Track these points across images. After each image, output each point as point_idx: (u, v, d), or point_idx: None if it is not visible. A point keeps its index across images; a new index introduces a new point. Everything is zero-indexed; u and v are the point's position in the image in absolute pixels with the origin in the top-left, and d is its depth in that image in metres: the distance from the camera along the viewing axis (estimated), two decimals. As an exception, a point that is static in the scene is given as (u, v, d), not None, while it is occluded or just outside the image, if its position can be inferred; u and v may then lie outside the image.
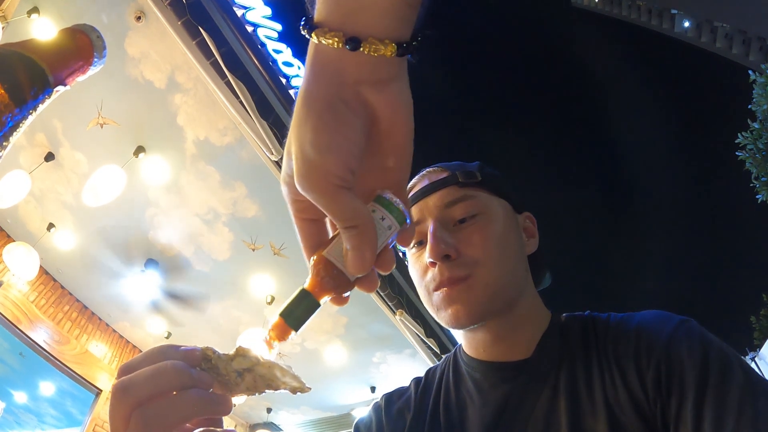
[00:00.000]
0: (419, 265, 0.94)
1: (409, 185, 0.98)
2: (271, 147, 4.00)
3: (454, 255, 0.87)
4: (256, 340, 5.52)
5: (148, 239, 5.17)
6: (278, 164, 4.18)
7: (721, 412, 0.68)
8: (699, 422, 0.70)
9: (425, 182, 0.97)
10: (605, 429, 0.80)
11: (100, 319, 6.32)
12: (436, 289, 0.89)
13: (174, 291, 5.69)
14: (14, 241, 5.17)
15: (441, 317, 0.91)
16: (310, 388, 0.54)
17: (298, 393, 0.54)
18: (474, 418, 0.93)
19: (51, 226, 5.14)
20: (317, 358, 6.54)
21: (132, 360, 0.50)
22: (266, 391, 0.53)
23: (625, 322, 0.90)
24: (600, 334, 0.91)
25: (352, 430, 1.08)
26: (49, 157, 4.57)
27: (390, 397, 1.08)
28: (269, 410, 7.99)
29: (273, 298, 5.58)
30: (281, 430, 8.44)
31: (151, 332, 6.39)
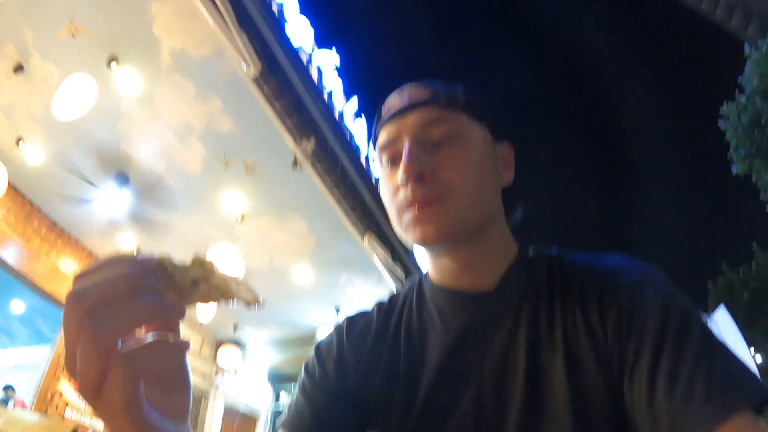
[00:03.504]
0: (391, 185, 0.91)
1: (387, 101, 0.97)
2: (249, 60, 4.01)
3: (429, 175, 0.85)
4: (223, 254, 5.64)
5: (119, 153, 5.13)
6: (255, 79, 4.21)
7: (677, 364, 0.71)
8: (654, 370, 0.72)
9: (404, 99, 0.93)
10: (562, 365, 0.82)
11: (69, 235, 6.29)
12: (408, 207, 0.87)
13: (144, 206, 5.69)
14: (-20, 157, 5.05)
15: (409, 235, 0.89)
16: (263, 303, 0.56)
17: (254, 306, 0.56)
18: (434, 343, 0.94)
19: (19, 140, 5.05)
20: (284, 276, 6.68)
21: (87, 268, 0.51)
22: (220, 300, 0.54)
23: (592, 263, 0.91)
24: (566, 272, 0.92)
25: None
26: (18, 68, 4.46)
27: (352, 320, 1.07)
28: (236, 327, 8.16)
29: (243, 216, 5.67)
30: (246, 346, 8.66)
31: (121, 248, 6.33)
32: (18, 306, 7.07)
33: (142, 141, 5.02)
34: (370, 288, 6.94)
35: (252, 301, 0.55)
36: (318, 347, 1.05)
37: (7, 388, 5.89)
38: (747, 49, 8.22)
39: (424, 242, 0.88)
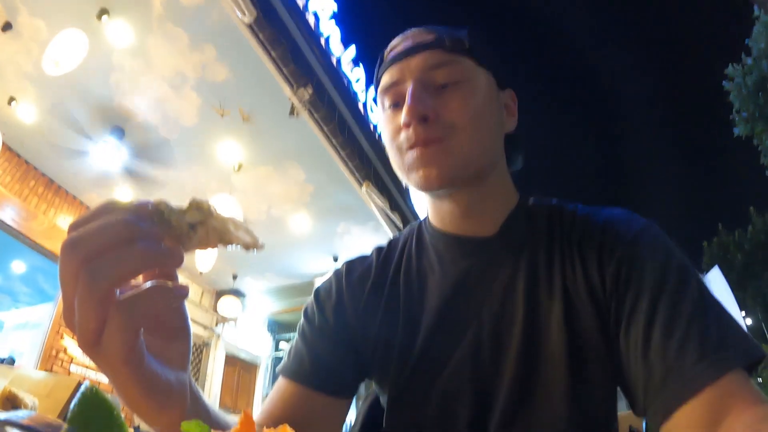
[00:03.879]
0: (393, 126, 0.91)
1: (391, 44, 0.96)
2: (243, 7, 3.93)
3: (432, 117, 0.85)
4: (221, 206, 5.63)
5: (113, 107, 5.06)
6: (251, 26, 4.14)
7: (672, 317, 0.72)
8: (650, 322, 0.74)
9: (408, 42, 0.92)
10: (560, 313, 0.83)
11: (67, 192, 6.26)
12: (410, 148, 0.87)
13: (141, 159, 5.66)
14: (-27, 118, 4.97)
15: (411, 179, 0.89)
16: (263, 245, 0.54)
17: (253, 250, 0.54)
18: (433, 288, 0.95)
19: (12, 99, 4.95)
20: (282, 225, 6.70)
21: (81, 217, 0.49)
22: (218, 245, 0.53)
23: (593, 214, 0.92)
24: (566, 222, 0.92)
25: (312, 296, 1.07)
26: (7, 26, 4.34)
27: (351, 264, 1.08)
28: (235, 277, 8.21)
29: (241, 165, 5.65)
30: (246, 295, 8.73)
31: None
32: (19, 266, 7.04)
33: (137, 93, 4.94)
34: (368, 237, 6.97)
35: (251, 244, 0.53)
36: (317, 292, 1.06)
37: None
38: (756, 10, 8.15)
39: (427, 187, 0.87)
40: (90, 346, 0.47)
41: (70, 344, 5.93)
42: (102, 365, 0.49)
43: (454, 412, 0.87)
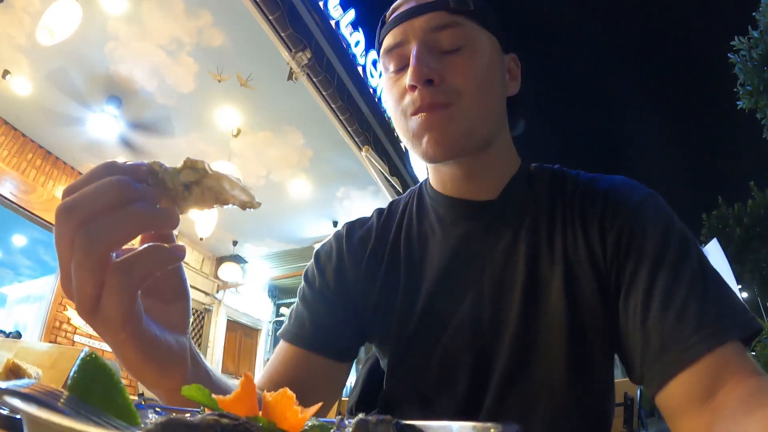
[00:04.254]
0: (397, 89, 0.89)
1: (393, 5, 0.95)
2: (238, -30, 3.87)
3: (437, 80, 0.83)
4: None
5: (109, 75, 5.01)
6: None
7: (672, 286, 0.73)
8: (650, 290, 0.74)
9: (412, 3, 0.90)
10: (560, 279, 0.83)
11: (65, 163, 6.24)
12: (414, 113, 0.85)
13: (138, 127, 5.63)
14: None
15: (415, 147, 0.88)
16: (260, 203, 0.54)
17: (249, 209, 0.53)
18: (434, 251, 0.95)
19: (6, 73, 4.89)
20: (282, 191, 6.71)
21: (76, 181, 0.48)
22: (215, 205, 0.52)
23: (595, 181, 0.92)
24: (568, 188, 0.92)
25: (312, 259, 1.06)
26: (-2, -1, 4.25)
27: (352, 226, 1.06)
28: (235, 243, 8.25)
29: (239, 130, 5.62)
30: (246, 261, 8.79)
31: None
32: (20, 240, 7.07)
33: (132, 61, 4.89)
34: (367, 201, 6.99)
35: (248, 203, 0.53)
36: (317, 255, 1.05)
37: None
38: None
39: (432, 159, 0.87)
40: (88, 312, 0.47)
41: (74, 315, 5.97)
42: (101, 330, 0.49)
43: (453, 375, 0.88)
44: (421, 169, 6.21)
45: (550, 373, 0.83)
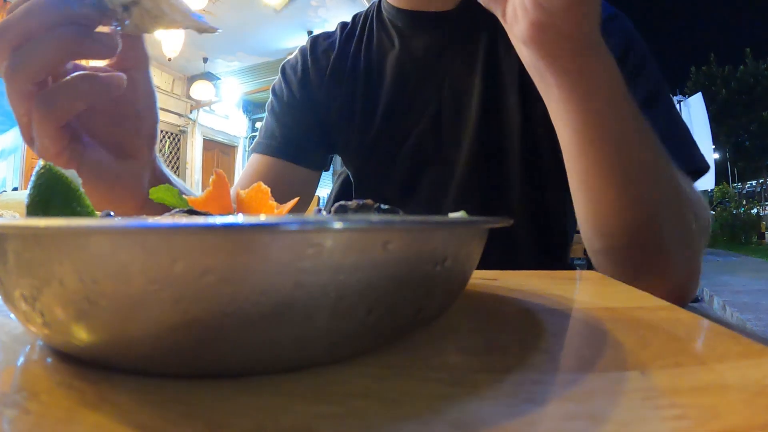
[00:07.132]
0: None
1: None
2: None
3: None
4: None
5: None
6: None
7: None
8: None
9: None
10: (516, 94, 0.86)
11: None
12: None
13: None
14: None
15: None
16: (216, 29, 0.50)
17: (207, 33, 0.50)
18: (393, 62, 0.96)
19: None
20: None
21: (15, 2, 0.44)
22: (158, 30, 0.48)
23: None
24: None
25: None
26: None
27: (316, 39, 1.07)
28: (206, 60, 7.96)
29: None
30: (219, 78, 8.55)
31: None
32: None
33: None
34: (343, 9, 6.48)
35: (200, 29, 0.49)
36: (283, 68, 1.07)
37: None
38: None
39: None
40: (28, 142, 0.47)
41: (48, 158, 5.79)
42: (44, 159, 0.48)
43: (417, 181, 0.93)
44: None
45: (507, 180, 0.88)
